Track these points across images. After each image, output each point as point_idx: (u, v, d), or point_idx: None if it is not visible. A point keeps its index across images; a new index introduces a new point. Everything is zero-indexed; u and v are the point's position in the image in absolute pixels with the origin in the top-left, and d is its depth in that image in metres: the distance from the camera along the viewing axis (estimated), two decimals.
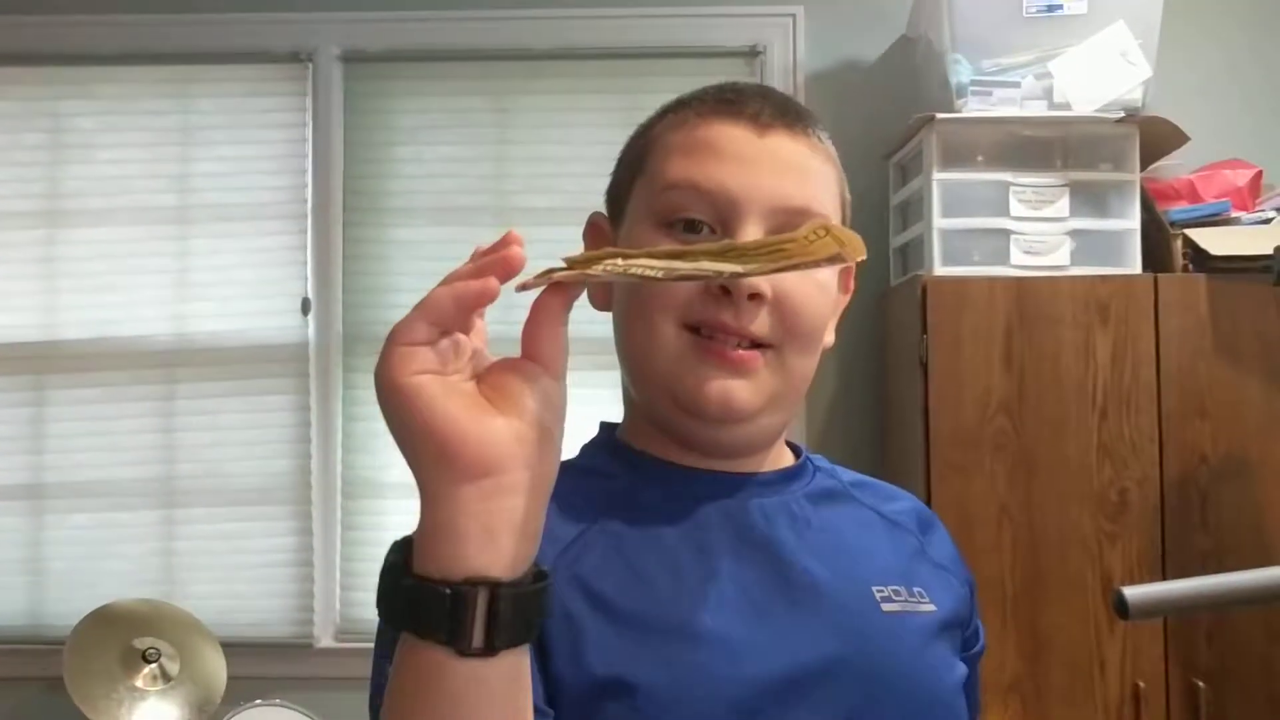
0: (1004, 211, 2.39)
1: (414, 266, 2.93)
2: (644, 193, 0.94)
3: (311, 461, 2.92)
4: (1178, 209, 2.47)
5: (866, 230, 3.45)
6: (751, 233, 0.88)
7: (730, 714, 0.83)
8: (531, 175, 2.94)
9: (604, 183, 1.01)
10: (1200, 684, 2.24)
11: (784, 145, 0.92)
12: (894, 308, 2.64)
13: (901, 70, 2.81)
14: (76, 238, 2.97)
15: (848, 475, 1.04)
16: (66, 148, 2.98)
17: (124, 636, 2.55)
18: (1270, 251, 2.18)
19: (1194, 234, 2.40)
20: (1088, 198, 2.40)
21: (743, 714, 0.83)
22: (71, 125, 2.99)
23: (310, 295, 2.93)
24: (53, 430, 2.95)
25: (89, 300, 2.96)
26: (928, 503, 2.29)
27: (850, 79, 2.91)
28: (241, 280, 2.96)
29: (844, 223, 0.93)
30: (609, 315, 0.97)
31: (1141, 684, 2.24)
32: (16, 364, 2.96)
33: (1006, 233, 2.39)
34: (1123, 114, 2.38)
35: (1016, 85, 2.42)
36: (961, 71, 2.43)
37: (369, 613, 2.89)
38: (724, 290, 0.87)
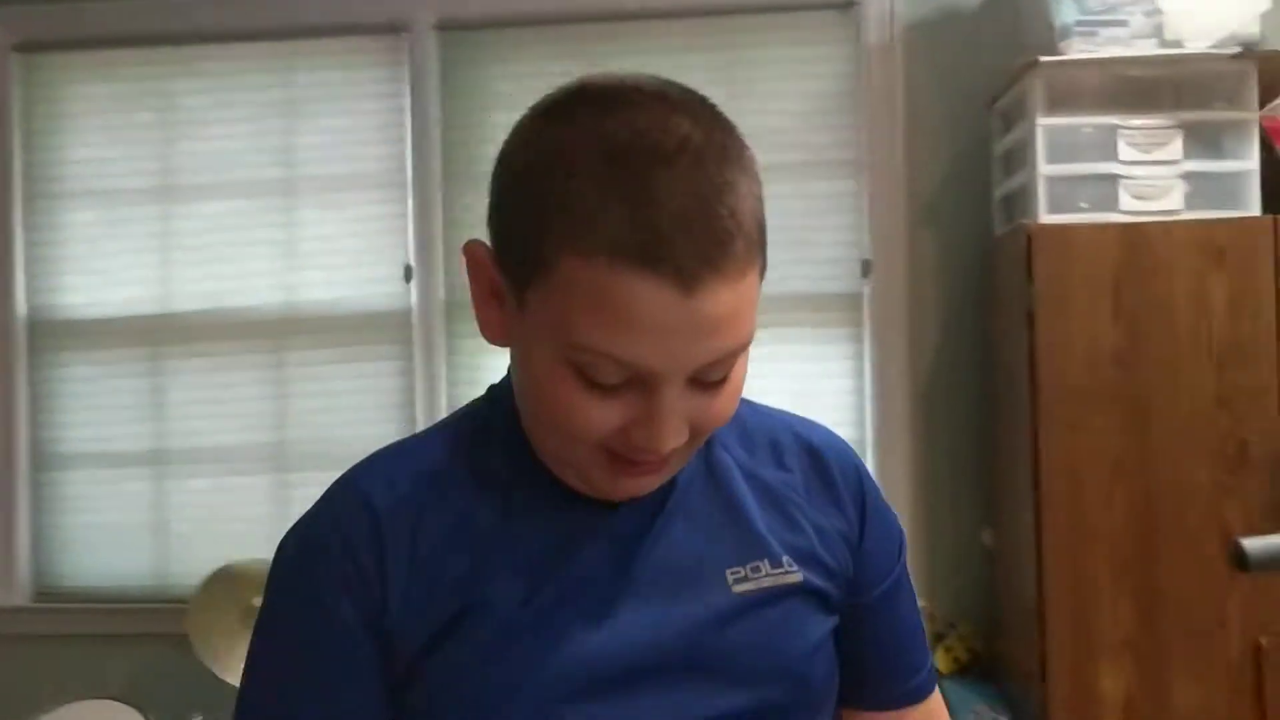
0: (1112, 156, 2.32)
1: None
2: (547, 314, 0.80)
3: (417, 426, 2.97)
4: None
5: (969, 180, 3.34)
6: (671, 392, 0.80)
7: (560, 701, 0.85)
8: None
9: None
10: None
11: (712, 301, 0.76)
12: (998, 258, 2.59)
13: (1003, 15, 2.73)
14: (188, 213, 3.04)
15: (737, 431, 0.99)
16: (176, 125, 3.06)
17: (244, 595, 2.62)
18: None
19: None
20: (1202, 139, 2.32)
21: (585, 694, 0.86)
22: (180, 103, 3.06)
23: (412, 262, 2.98)
24: (170, 399, 3.05)
25: (201, 273, 3.04)
26: (1035, 459, 2.26)
27: (950, 27, 2.84)
28: (346, 249, 3.01)
29: (762, 258, 0.82)
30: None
31: (1264, 641, 2.19)
32: (134, 336, 3.05)
33: (1115, 178, 2.32)
34: (1239, 49, 2.29)
35: (1124, 24, 2.34)
36: (1066, 12, 2.36)
37: None
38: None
